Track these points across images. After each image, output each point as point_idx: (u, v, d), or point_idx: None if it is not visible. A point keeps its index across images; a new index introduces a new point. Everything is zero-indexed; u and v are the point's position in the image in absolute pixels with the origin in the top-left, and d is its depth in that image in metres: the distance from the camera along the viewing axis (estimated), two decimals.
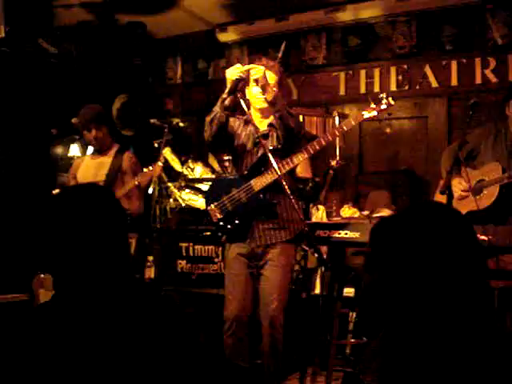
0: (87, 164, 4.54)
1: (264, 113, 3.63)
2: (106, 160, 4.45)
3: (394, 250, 1.22)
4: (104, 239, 1.50)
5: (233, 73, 3.46)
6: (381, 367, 1.31)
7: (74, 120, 5.48)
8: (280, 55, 4.53)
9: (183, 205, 5.82)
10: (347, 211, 5.20)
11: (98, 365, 1.40)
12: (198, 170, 6.19)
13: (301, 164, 4.77)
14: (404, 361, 1.21)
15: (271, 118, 3.59)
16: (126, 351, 1.42)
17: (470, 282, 1.19)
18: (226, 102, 3.51)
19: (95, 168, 4.46)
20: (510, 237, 3.10)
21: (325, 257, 4.09)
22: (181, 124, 6.25)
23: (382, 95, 3.47)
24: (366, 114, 3.45)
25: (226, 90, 3.51)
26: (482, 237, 3.14)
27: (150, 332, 1.47)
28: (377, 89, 6.20)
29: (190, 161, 6.20)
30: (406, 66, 6.16)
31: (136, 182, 4.11)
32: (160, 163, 4.35)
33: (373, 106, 3.44)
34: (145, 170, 4.18)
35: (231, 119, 3.64)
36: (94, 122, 4.39)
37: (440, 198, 3.59)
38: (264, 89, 3.50)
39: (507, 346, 1.24)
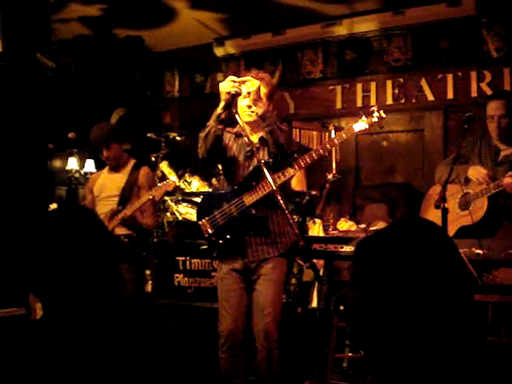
0: (103, 179, 4.53)
1: (253, 127, 3.58)
2: (122, 175, 4.43)
3: (376, 268, 1.22)
4: (87, 262, 1.51)
5: (226, 86, 3.38)
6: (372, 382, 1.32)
7: (70, 134, 5.50)
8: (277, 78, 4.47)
9: (180, 218, 5.82)
10: (344, 225, 5.20)
11: (87, 381, 1.41)
12: (194, 184, 6.20)
13: (296, 177, 4.77)
14: (392, 377, 1.21)
15: (262, 132, 3.53)
16: (114, 368, 1.43)
17: (454, 298, 1.19)
18: (222, 116, 3.47)
19: (111, 183, 4.44)
20: (505, 251, 3.09)
21: (321, 270, 4.10)
22: (178, 138, 6.28)
23: (373, 108, 3.45)
24: (357, 128, 3.42)
25: (221, 105, 3.44)
26: (478, 251, 3.13)
27: (139, 349, 1.48)
28: (373, 102, 6.23)
29: (186, 174, 6.20)
30: (401, 80, 6.20)
31: (150, 196, 4.08)
32: (174, 179, 4.35)
33: (364, 119, 3.42)
34: (159, 184, 4.17)
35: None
36: (101, 143, 4.36)
37: (434, 211, 3.59)
38: (256, 103, 3.45)
39: (496, 360, 1.24)
